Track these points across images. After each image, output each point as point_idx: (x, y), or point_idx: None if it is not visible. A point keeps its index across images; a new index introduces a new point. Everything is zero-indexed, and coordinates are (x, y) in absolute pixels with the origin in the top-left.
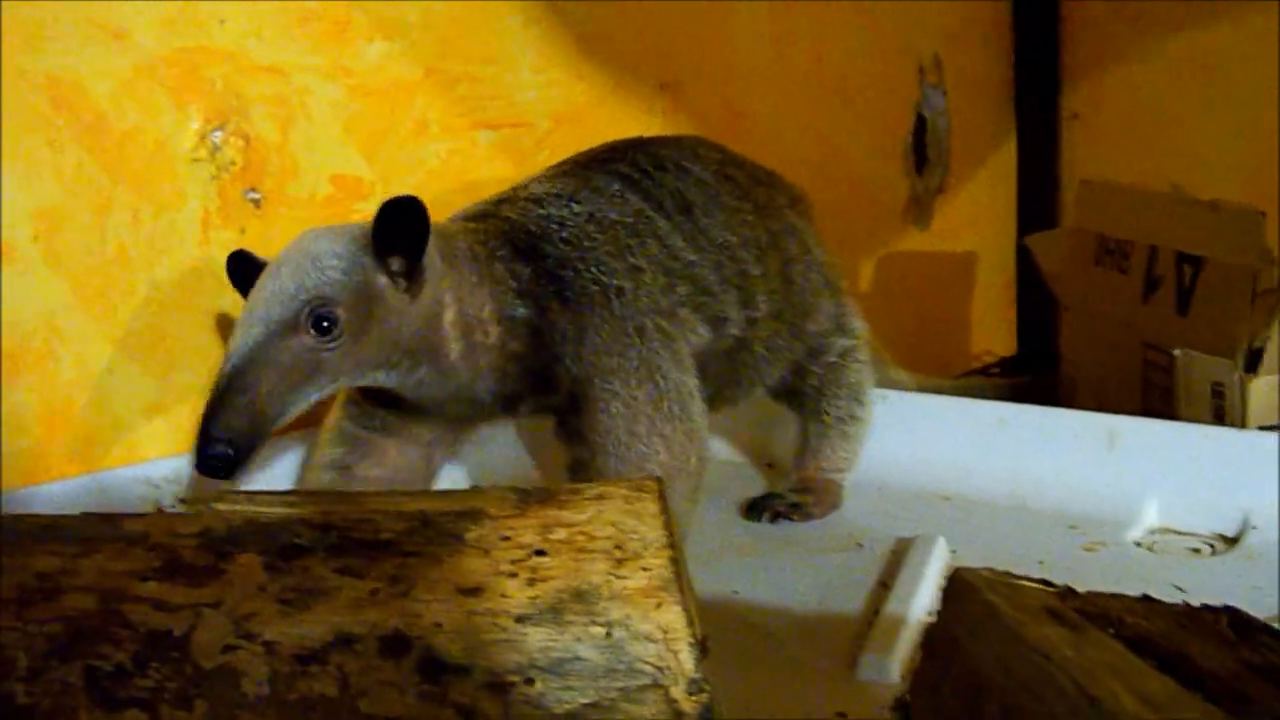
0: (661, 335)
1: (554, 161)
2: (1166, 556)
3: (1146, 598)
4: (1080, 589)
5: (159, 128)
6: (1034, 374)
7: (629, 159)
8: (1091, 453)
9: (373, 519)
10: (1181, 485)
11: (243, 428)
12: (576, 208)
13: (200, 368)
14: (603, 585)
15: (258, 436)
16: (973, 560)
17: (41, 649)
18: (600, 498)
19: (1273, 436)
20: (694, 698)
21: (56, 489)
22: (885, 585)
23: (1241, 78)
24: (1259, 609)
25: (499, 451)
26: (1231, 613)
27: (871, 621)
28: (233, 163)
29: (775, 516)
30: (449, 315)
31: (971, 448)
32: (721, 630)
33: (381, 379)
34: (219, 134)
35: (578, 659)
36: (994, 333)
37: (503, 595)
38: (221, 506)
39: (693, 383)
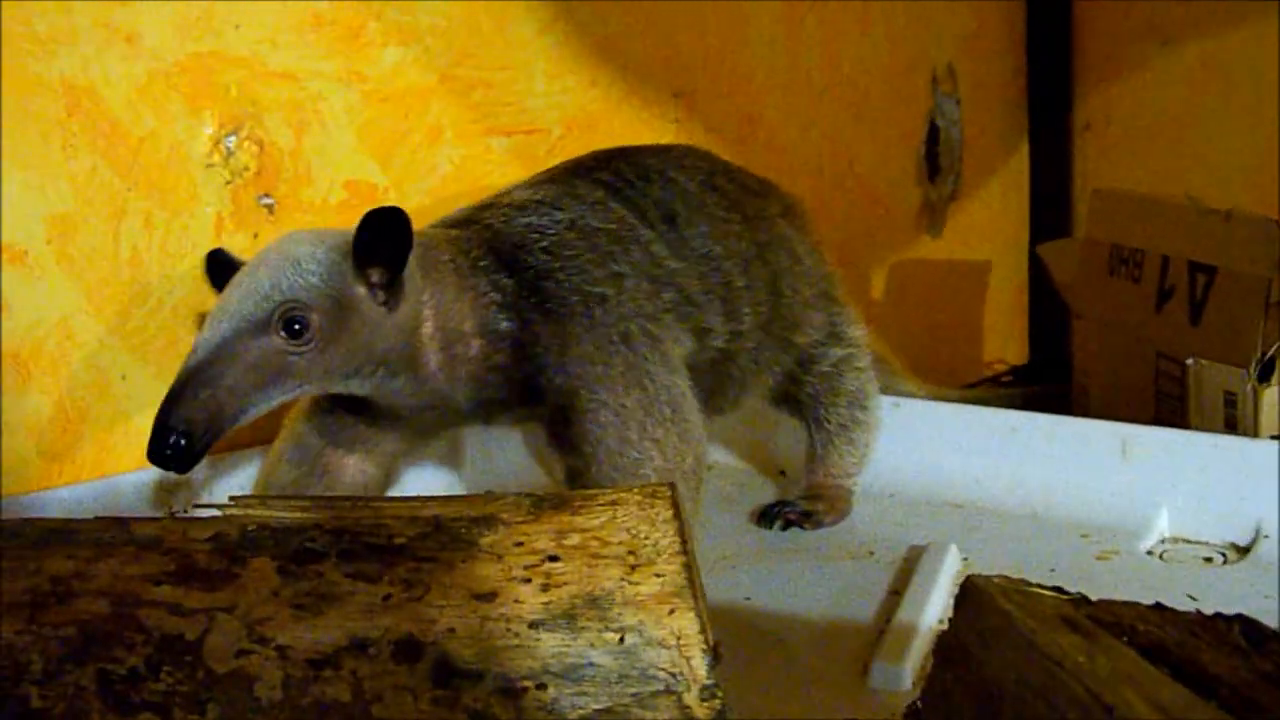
0: (647, 339)
1: None
2: (1178, 565)
3: (1159, 606)
4: (1093, 597)
5: (173, 133)
6: (1046, 383)
7: (613, 168)
8: (1104, 461)
9: (386, 524)
10: (1194, 494)
11: (201, 421)
12: (558, 215)
13: None
14: (616, 591)
15: (215, 432)
16: (984, 568)
17: (55, 653)
18: (614, 504)
19: None
20: (707, 704)
21: (69, 493)
22: (897, 593)
23: (1255, 87)
24: (1271, 618)
25: (509, 458)
26: (1244, 621)
27: (883, 629)
28: (246, 168)
29: (786, 524)
30: (428, 328)
31: (983, 456)
32: (733, 637)
33: (354, 386)
34: (233, 139)
35: (591, 665)
36: (1006, 341)
37: (516, 601)
38: (235, 511)
39: (684, 383)
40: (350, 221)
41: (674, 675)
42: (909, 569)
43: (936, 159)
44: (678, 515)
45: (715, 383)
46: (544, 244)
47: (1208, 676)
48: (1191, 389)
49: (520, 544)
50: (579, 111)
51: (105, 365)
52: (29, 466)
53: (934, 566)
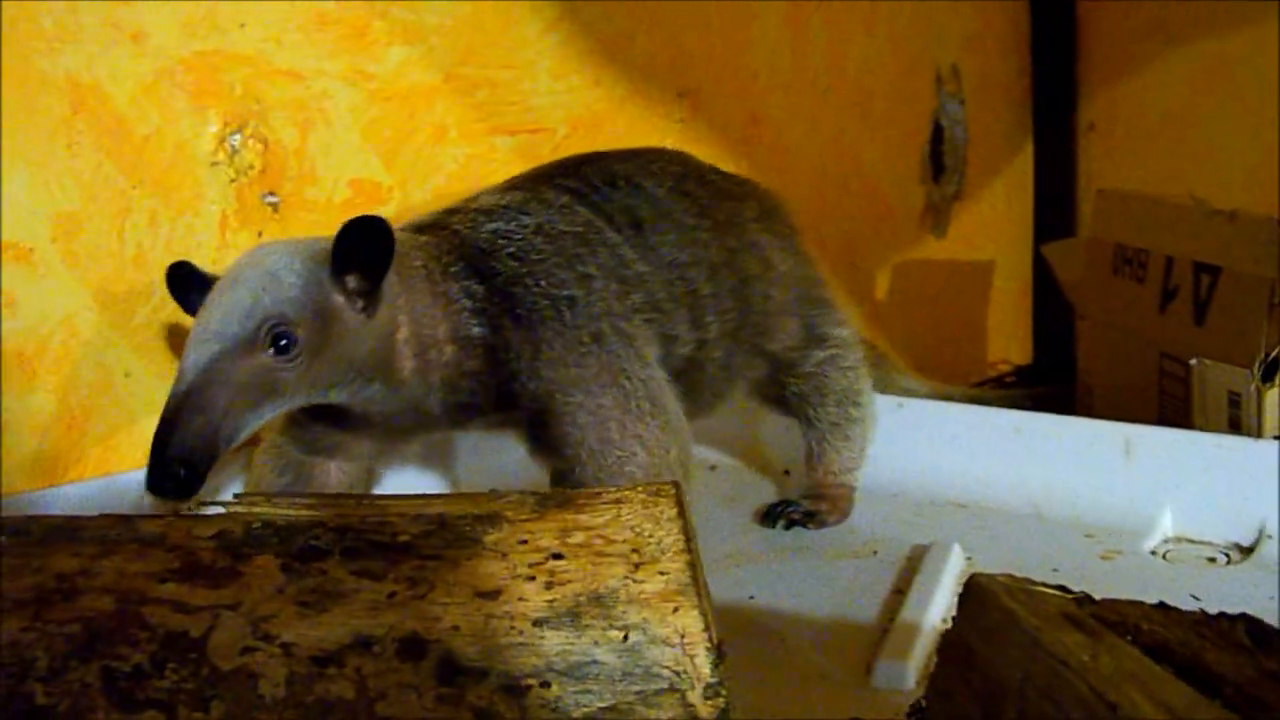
0: (620, 336)
1: None
2: (1182, 565)
3: (1163, 605)
4: (1096, 597)
5: (178, 131)
6: (1050, 383)
7: (580, 174)
8: (1107, 462)
9: (390, 522)
10: (1197, 495)
11: (198, 447)
12: (525, 220)
13: None
14: (620, 589)
15: (212, 455)
16: (988, 568)
17: (60, 650)
18: (618, 502)
19: None
20: (710, 702)
21: (74, 491)
22: (900, 592)
23: (1259, 87)
24: (1275, 617)
25: (511, 457)
26: (1249, 621)
27: (887, 628)
28: (251, 166)
29: (790, 524)
30: (403, 333)
31: (987, 456)
32: (737, 636)
33: (334, 395)
34: (238, 137)
35: (595, 663)
36: (1009, 342)
37: (520, 599)
38: (239, 509)
39: (660, 375)
40: None
41: (678, 673)
42: (912, 568)
43: (941, 159)
44: (682, 513)
45: (685, 390)
46: (511, 249)
47: (1212, 676)
48: (1195, 389)
49: (524, 542)
50: (583, 111)
51: (109, 363)
52: (33, 464)
53: (937, 566)
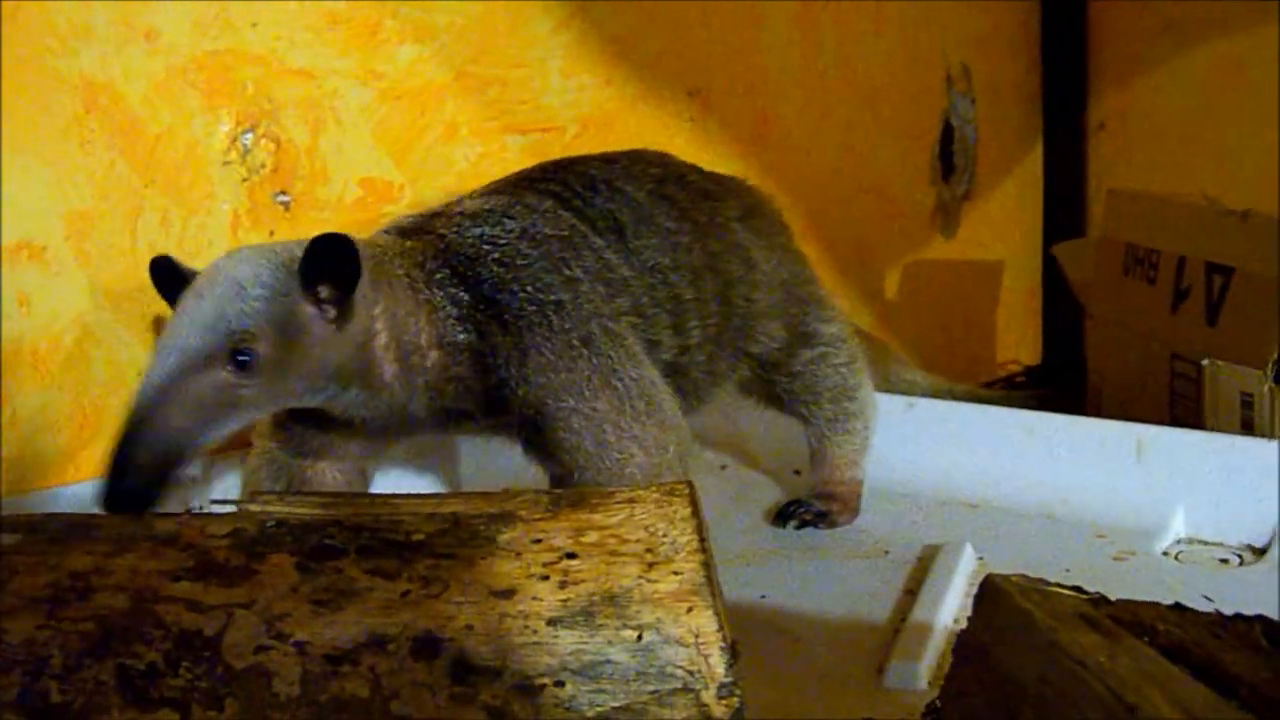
0: (609, 337)
1: None
2: (1194, 567)
3: (1179, 606)
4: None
5: (190, 130)
6: (1059, 384)
7: (560, 179)
8: (1119, 462)
9: (404, 521)
10: (1209, 496)
11: (154, 463)
12: (510, 224)
13: None
14: (634, 589)
15: (170, 469)
16: (999, 568)
17: (75, 648)
18: (632, 501)
19: None
20: (724, 702)
21: (87, 489)
22: (912, 592)
23: (1271, 86)
24: None
25: (518, 457)
26: (1265, 622)
27: (898, 628)
28: (263, 165)
29: (801, 524)
30: (381, 339)
31: (998, 456)
32: (749, 635)
33: (308, 401)
34: (249, 136)
35: (609, 662)
36: (1019, 341)
37: (534, 598)
38: (253, 508)
39: (652, 373)
40: (367, 219)
41: (692, 673)
42: (924, 568)
43: (951, 158)
44: (696, 513)
45: None
46: (497, 255)
47: (1228, 677)
48: (1207, 390)
49: (538, 541)
50: (594, 109)
51: (122, 361)
52: (46, 462)
53: (949, 566)
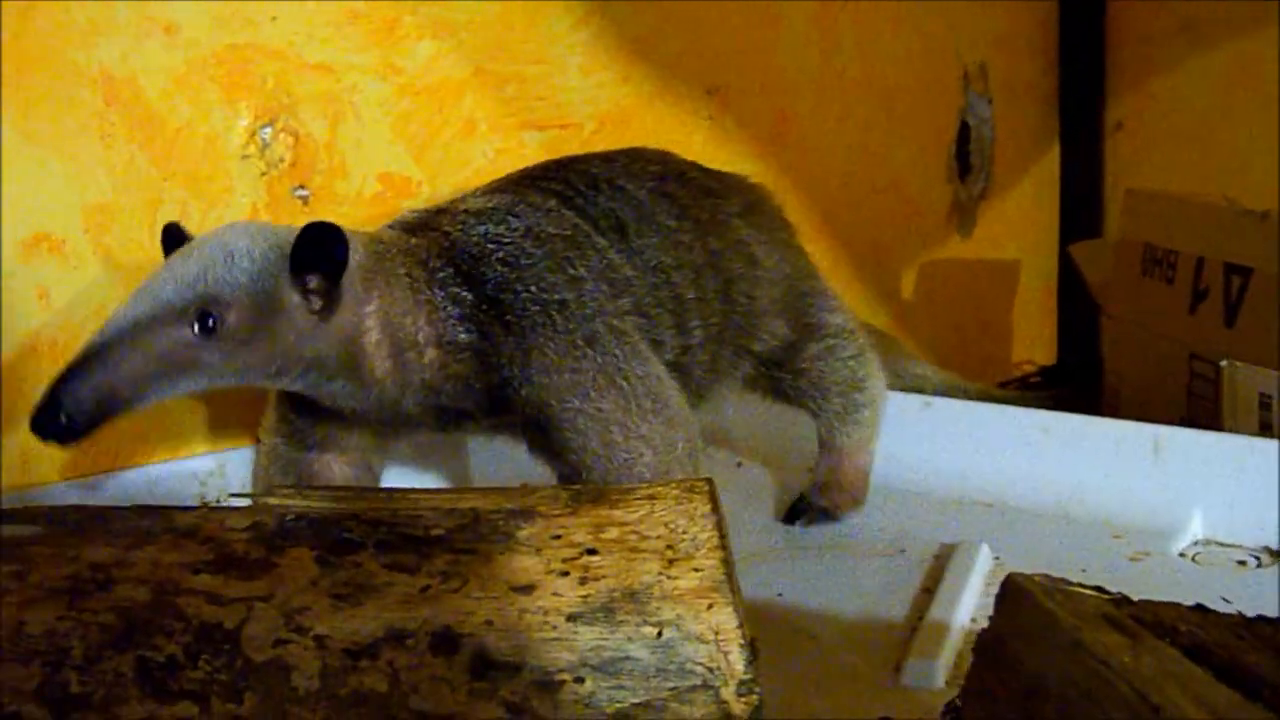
0: (614, 335)
1: None
2: (1212, 568)
3: (1200, 607)
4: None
5: (209, 124)
6: (1075, 384)
7: (562, 177)
8: (1136, 463)
9: (424, 516)
10: (1227, 497)
11: (92, 402)
12: (514, 223)
13: None
14: (654, 585)
15: (105, 415)
16: (1016, 568)
17: (95, 639)
18: (652, 498)
19: None
20: (744, 699)
21: (103, 483)
22: (929, 591)
23: None
24: None
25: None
26: None
27: (915, 627)
28: (282, 160)
29: (811, 520)
30: (373, 337)
31: (1015, 455)
32: (766, 633)
33: (284, 384)
34: (268, 131)
35: (629, 658)
36: (1035, 341)
37: (554, 594)
38: (273, 501)
39: (659, 369)
40: (384, 214)
41: (711, 670)
42: (940, 567)
43: (967, 158)
44: (716, 509)
45: None
46: (500, 254)
47: (1252, 678)
48: (1225, 391)
49: (558, 537)
50: (612, 107)
51: None
52: (64, 455)
53: (966, 565)
